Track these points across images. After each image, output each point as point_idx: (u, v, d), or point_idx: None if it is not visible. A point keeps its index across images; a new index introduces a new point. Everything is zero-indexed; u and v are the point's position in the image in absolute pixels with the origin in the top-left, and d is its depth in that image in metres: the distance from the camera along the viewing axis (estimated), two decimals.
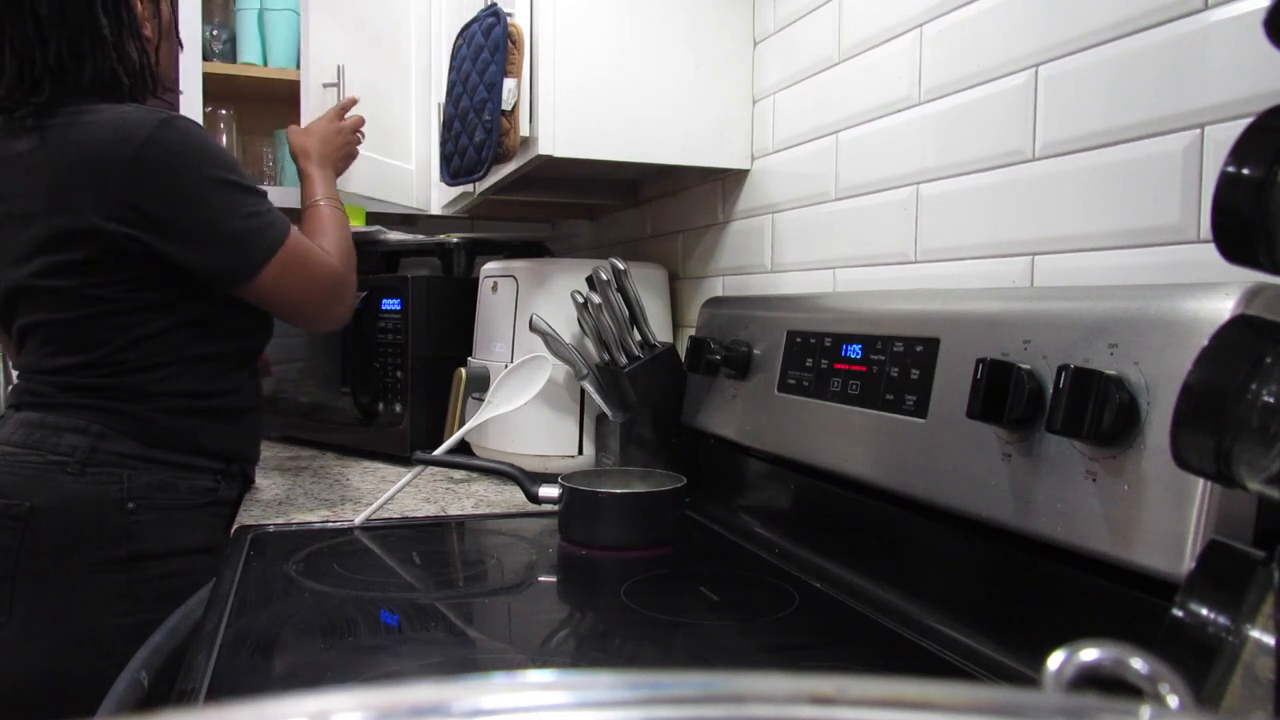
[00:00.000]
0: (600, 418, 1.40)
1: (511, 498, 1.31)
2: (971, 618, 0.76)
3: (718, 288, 1.43)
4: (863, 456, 0.88)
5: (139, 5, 1.17)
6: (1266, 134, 0.40)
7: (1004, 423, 0.68)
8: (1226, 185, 0.41)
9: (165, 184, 1.07)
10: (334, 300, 1.21)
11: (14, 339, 1.18)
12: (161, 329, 1.13)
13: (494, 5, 1.27)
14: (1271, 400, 0.40)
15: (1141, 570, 0.59)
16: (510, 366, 1.34)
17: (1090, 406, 0.60)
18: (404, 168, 1.74)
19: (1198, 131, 0.66)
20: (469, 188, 1.58)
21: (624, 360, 1.32)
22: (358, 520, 1.15)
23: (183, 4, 1.52)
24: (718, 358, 1.17)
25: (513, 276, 1.47)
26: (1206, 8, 0.66)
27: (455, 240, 1.81)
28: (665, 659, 0.75)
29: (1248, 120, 0.41)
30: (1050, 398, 0.63)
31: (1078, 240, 0.77)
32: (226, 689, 0.67)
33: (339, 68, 1.49)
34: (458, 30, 1.35)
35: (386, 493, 1.20)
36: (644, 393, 1.33)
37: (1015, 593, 0.72)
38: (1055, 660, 0.29)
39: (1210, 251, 0.46)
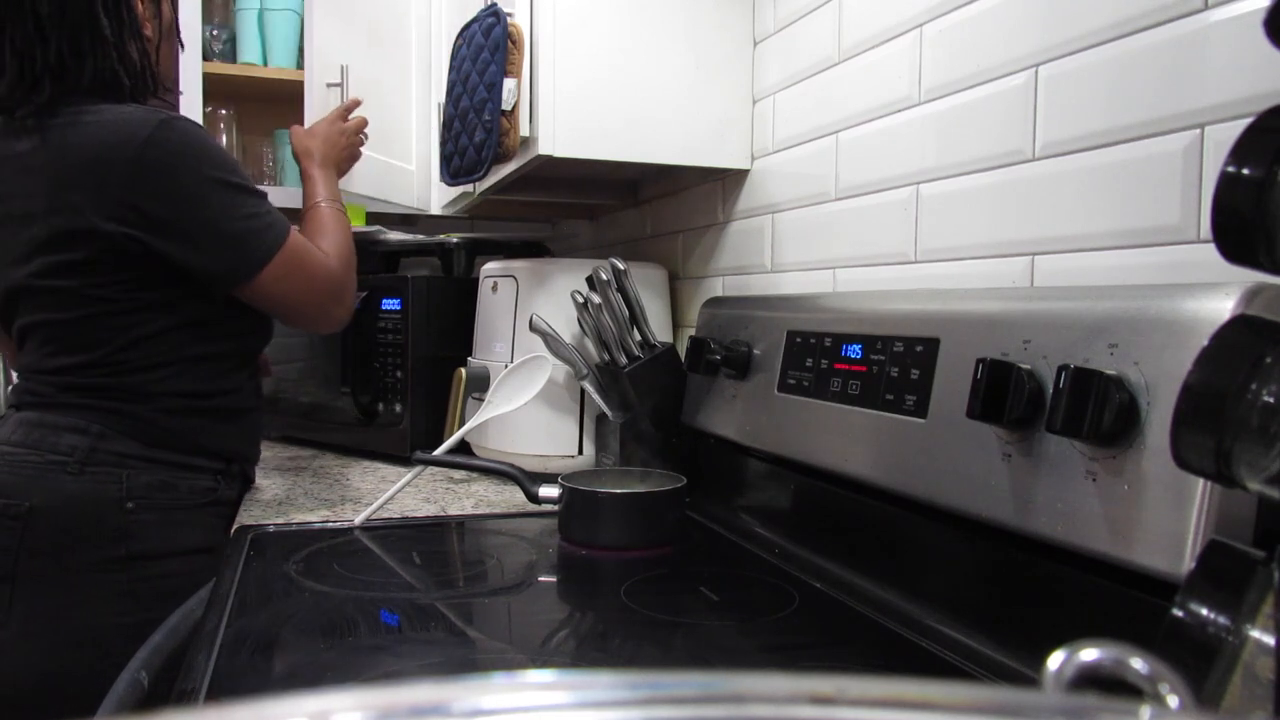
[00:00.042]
0: (600, 418, 1.40)
1: (511, 498, 1.31)
2: (971, 618, 0.76)
3: (718, 288, 1.43)
4: (863, 456, 0.88)
5: (140, 5, 1.17)
6: (1266, 134, 0.40)
7: (1004, 423, 0.68)
8: (1226, 185, 0.41)
9: (165, 184, 1.07)
10: (333, 302, 1.21)
11: (14, 339, 1.18)
12: (161, 329, 1.13)
13: (494, 5, 1.27)
14: (1271, 400, 0.40)
15: (1141, 570, 0.59)
16: (510, 366, 1.34)
17: (1090, 406, 0.60)
18: (404, 168, 1.74)
19: (1198, 131, 0.66)
20: (469, 188, 1.58)
21: (624, 360, 1.32)
22: (358, 520, 1.15)
23: (183, 4, 1.52)
24: (718, 358, 1.17)
25: (513, 276, 1.47)
26: (1206, 8, 0.66)
27: (455, 240, 1.81)
28: (665, 659, 0.75)
29: (1248, 120, 0.41)
30: (1050, 398, 0.63)
31: (1078, 240, 0.77)
32: (226, 689, 0.67)
33: (343, 68, 1.49)
34: (458, 30, 1.35)
35: (386, 493, 1.20)
36: (644, 393, 1.33)
37: (1015, 593, 0.72)
38: (1055, 660, 0.29)
39: (1210, 251, 0.46)
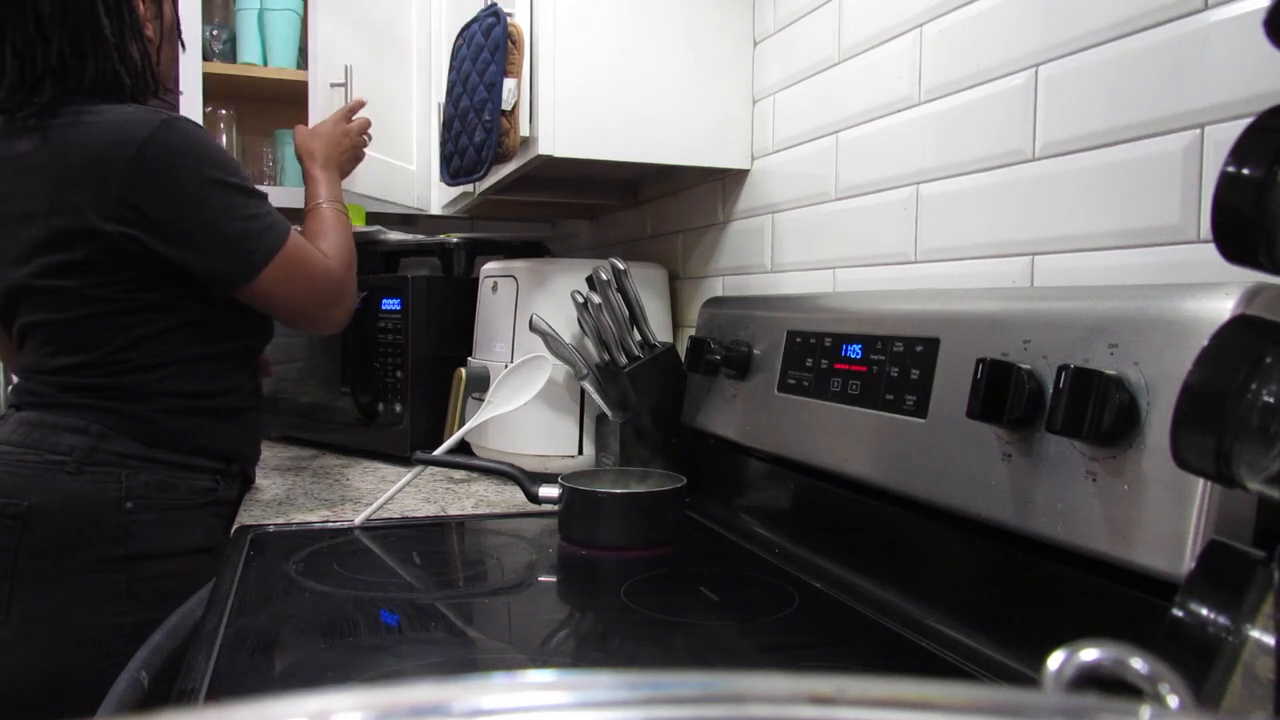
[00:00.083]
0: (600, 418, 1.40)
1: (511, 498, 1.31)
2: (971, 618, 0.76)
3: (718, 288, 1.43)
4: (863, 456, 0.88)
5: (141, 6, 1.17)
6: (1266, 134, 0.40)
7: (1004, 423, 0.68)
8: (1226, 185, 0.41)
9: (165, 185, 1.07)
10: (333, 303, 1.21)
11: (14, 339, 1.18)
12: (161, 329, 1.13)
13: (494, 5, 1.27)
14: (1271, 400, 0.40)
15: (1141, 570, 0.59)
16: (510, 366, 1.34)
17: (1090, 406, 0.60)
18: (404, 167, 1.74)
19: (1198, 131, 0.66)
20: (469, 188, 1.58)
21: (624, 360, 1.32)
22: (358, 520, 1.15)
23: (183, 4, 1.52)
24: (718, 358, 1.17)
25: (513, 276, 1.47)
26: (1206, 8, 0.66)
27: (455, 240, 1.81)
28: (665, 659, 0.75)
29: (1248, 120, 0.41)
30: (1050, 398, 0.63)
31: (1078, 240, 0.77)
32: (226, 689, 0.67)
33: (347, 68, 1.49)
34: (458, 30, 1.35)
35: (386, 493, 1.20)
36: (644, 393, 1.33)
37: (1015, 593, 0.72)
38: (1055, 660, 0.29)
39: (1210, 251, 0.46)
